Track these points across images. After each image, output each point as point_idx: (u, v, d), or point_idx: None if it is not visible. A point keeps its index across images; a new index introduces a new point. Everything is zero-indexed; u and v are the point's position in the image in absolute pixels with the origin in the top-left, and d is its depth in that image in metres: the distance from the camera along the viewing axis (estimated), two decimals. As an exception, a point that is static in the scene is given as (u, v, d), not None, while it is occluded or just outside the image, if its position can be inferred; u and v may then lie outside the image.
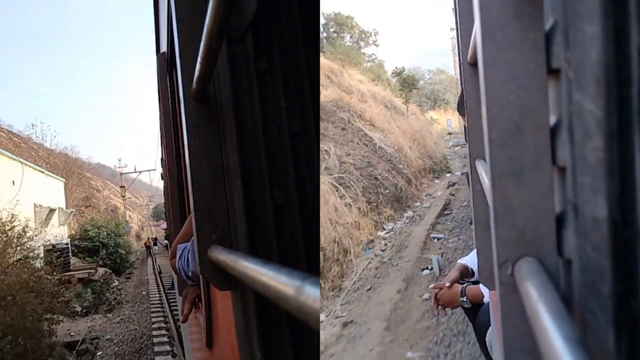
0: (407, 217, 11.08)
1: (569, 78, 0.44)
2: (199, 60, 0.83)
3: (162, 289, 19.53)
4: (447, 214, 10.96)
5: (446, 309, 2.78)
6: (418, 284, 6.74)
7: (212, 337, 1.68)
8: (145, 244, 43.61)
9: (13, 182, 18.58)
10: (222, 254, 0.88)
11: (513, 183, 0.52)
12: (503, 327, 0.54)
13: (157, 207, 76.88)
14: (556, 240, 0.52)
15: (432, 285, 2.85)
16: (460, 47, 1.37)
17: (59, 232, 24.01)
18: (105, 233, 27.79)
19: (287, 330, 0.97)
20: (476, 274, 2.75)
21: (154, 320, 14.97)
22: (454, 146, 21.76)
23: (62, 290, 14.01)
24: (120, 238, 29.52)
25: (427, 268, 7.31)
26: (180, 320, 2.10)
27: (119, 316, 16.87)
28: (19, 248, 13.51)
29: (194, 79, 0.91)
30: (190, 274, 1.60)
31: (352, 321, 5.46)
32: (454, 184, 14.36)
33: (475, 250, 2.13)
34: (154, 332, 13.43)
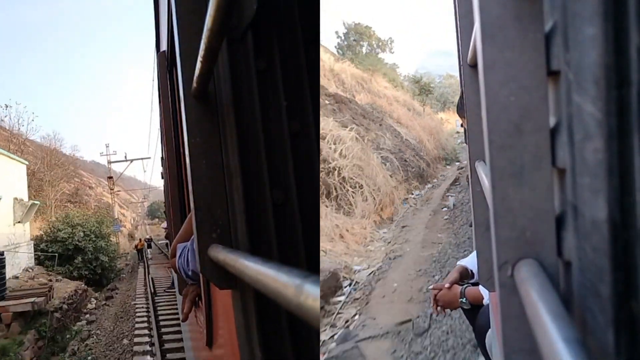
0: (428, 187, 17.24)
1: (569, 79, 0.44)
2: (199, 59, 0.83)
3: (154, 328, 10.94)
4: (457, 185, 16.50)
5: (445, 310, 2.78)
6: (440, 213, 12.75)
7: (212, 335, 1.68)
8: (136, 246, 35.26)
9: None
10: (222, 252, 0.89)
11: (513, 184, 0.52)
12: (503, 329, 0.54)
13: (153, 205, 73.47)
14: (556, 241, 0.52)
15: (431, 286, 2.85)
16: (460, 49, 1.37)
17: (15, 232, 18.02)
18: (81, 234, 21.28)
19: (287, 329, 0.97)
20: (476, 276, 2.75)
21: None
22: (462, 143, 25.30)
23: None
24: (102, 240, 22.96)
25: (445, 207, 13.24)
26: (181, 319, 2.10)
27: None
28: None
29: (194, 78, 0.91)
30: (190, 273, 1.60)
31: (406, 225, 11.83)
32: (462, 168, 19.19)
33: (474, 252, 2.13)
34: None
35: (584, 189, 0.43)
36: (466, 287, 2.72)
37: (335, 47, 31.04)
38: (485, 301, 2.59)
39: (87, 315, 14.94)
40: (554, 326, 0.38)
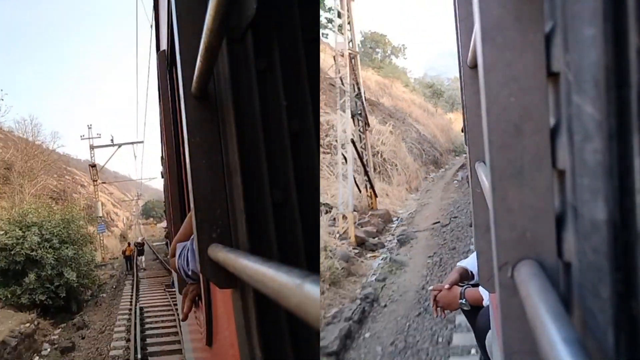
0: (441, 171, 23.08)
1: (569, 80, 0.44)
2: (199, 58, 0.83)
3: None
4: (464, 168, 19.22)
5: (445, 311, 2.78)
6: (451, 184, 18.48)
7: (212, 335, 1.68)
8: (124, 252, 26.85)
9: None
10: (222, 252, 0.89)
11: (513, 185, 0.52)
12: (503, 329, 0.55)
13: (147, 203, 70.20)
14: (556, 242, 0.52)
15: (431, 287, 2.86)
16: (460, 50, 1.37)
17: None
18: (36, 239, 14.54)
19: (287, 328, 0.97)
20: (476, 277, 2.75)
21: None
22: (468, 140, 30.45)
23: None
24: (70, 247, 15.87)
25: (455, 181, 18.75)
26: (181, 318, 2.10)
27: None
28: None
29: (194, 78, 0.91)
30: (190, 272, 1.60)
31: (429, 190, 18.32)
32: (469, 157, 25.77)
33: (474, 253, 2.13)
34: None
35: (583, 190, 0.43)
36: (466, 288, 2.72)
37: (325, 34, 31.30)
38: (485, 302, 2.59)
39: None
40: (554, 327, 0.38)
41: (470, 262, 2.85)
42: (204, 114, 1.00)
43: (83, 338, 11.78)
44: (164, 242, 39.78)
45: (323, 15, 23.35)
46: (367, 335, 6.09)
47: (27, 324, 10.92)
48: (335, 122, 14.35)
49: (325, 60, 20.69)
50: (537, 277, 0.48)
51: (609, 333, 0.40)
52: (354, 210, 11.68)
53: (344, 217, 11.44)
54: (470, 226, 9.52)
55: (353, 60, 13.95)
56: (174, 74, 2.66)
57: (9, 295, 13.69)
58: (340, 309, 6.73)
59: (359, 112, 14.40)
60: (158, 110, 4.67)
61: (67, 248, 15.93)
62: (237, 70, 1.00)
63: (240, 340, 1.02)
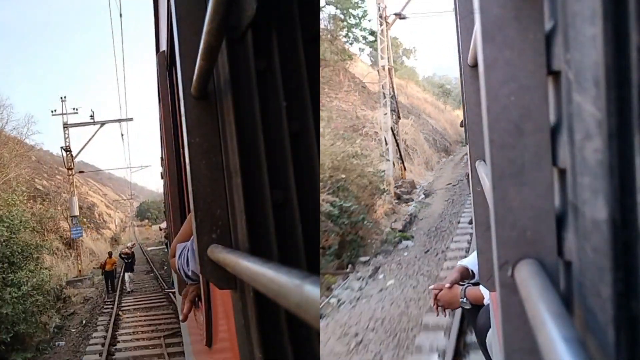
0: (451, 157, 27.62)
1: (569, 79, 0.44)
2: (199, 59, 0.83)
3: None
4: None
5: (446, 310, 2.78)
6: (459, 164, 23.29)
7: (212, 336, 1.68)
8: (102, 266, 19.99)
9: None
10: (222, 253, 0.89)
11: (513, 184, 0.52)
12: (503, 328, 0.54)
13: (142, 204, 67.01)
14: (556, 241, 0.52)
15: (432, 286, 2.86)
16: (460, 49, 1.37)
17: None
18: None
19: (286, 329, 0.97)
20: (476, 276, 2.75)
21: None
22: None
23: None
24: (17, 270, 11.85)
25: (462, 162, 23.21)
26: (180, 319, 2.10)
27: None
28: None
29: (194, 78, 0.91)
30: (190, 273, 1.60)
31: (442, 168, 24.21)
32: (473, 147, 30.69)
33: (475, 252, 2.13)
34: None
35: (584, 189, 0.43)
36: (467, 287, 2.72)
37: (368, 55, 33.42)
38: (486, 301, 2.59)
39: None
40: (554, 326, 0.38)
41: (470, 261, 2.85)
42: (204, 114, 1.00)
43: None
44: (162, 246, 35.13)
45: (359, 33, 26.17)
46: (414, 228, 13.16)
47: None
48: (369, 116, 21.96)
49: (361, 69, 28.81)
50: (538, 276, 0.48)
51: (610, 332, 0.39)
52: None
53: (387, 181, 16.68)
54: (470, 223, 11.55)
55: (389, 72, 19.47)
56: (173, 74, 2.66)
57: None
58: (396, 219, 13.98)
59: (393, 109, 19.44)
60: (158, 110, 4.68)
61: (9, 271, 11.28)
62: (237, 70, 1.00)
63: (240, 341, 1.02)
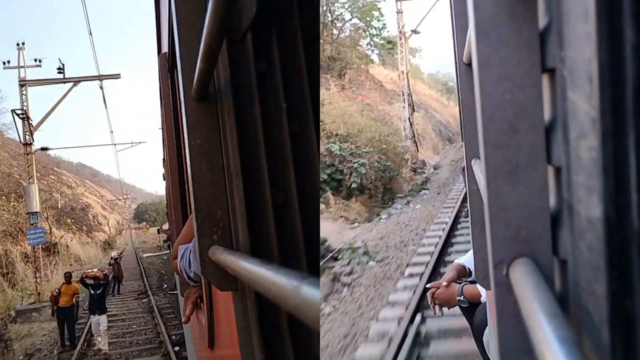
0: (453, 145, 32.41)
1: (564, 77, 0.44)
2: (199, 60, 0.83)
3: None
4: None
5: (442, 308, 2.78)
6: (460, 149, 23.36)
7: (214, 337, 1.68)
8: (53, 297, 11.38)
9: None
10: (223, 254, 0.89)
11: (508, 182, 0.52)
12: (499, 328, 0.54)
13: (140, 206, 65.57)
14: (551, 240, 0.52)
15: (428, 285, 2.86)
16: (455, 47, 1.37)
17: None
18: None
19: (287, 330, 0.97)
20: (473, 274, 2.75)
21: None
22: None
23: None
24: None
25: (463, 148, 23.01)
26: (183, 320, 2.10)
27: None
28: None
29: (195, 79, 0.91)
30: (192, 274, 1.60)
31: (446, 152, 30.89)
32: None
33: (472, 250, 2.12)
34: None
35: (579, 187, 0.43)
36: (464, 284, 2.72)
37: (377, 54, 35.31)
38: (483, 299, 2.59)
39: None
40: (549, 325, 0.38)
41: (467, 259, 2.84)
42: (205, 115, 1.00)
43: None
44: (162, 252, 30.36)
45: (380, 42, 31.34)
46: (428, 185, 19.02)
47: None
48: (388, 110, 27.26)
49: (381, 72, 35.52)
50: (533, 275, 0.47)
51: (605, 331, 0.39)
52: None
53: (409, 153, 23.04)
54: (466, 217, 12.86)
55: (408, 75, 26.34)
56: (175, 76, 2.67)
57: None
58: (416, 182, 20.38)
59: (410, 104, 25.79)
60: (160, 111, 4.68)
61: None
62: (237, 72, 1.00)
63: (241, 342, 1.02)
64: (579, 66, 0.40)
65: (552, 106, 0.50)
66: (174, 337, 11.06)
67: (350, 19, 29.23)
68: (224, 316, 1.33)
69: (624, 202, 0.38)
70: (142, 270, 25.45)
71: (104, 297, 11.62)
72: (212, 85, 1.00)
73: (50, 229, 20.57)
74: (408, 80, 26.07)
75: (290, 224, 1.01)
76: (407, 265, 8.15)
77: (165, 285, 18.39)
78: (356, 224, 14.30)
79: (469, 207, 1.32)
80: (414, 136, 25.23)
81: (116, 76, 18.81)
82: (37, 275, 15.42)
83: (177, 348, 10.05)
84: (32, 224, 15.70)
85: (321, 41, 25.70)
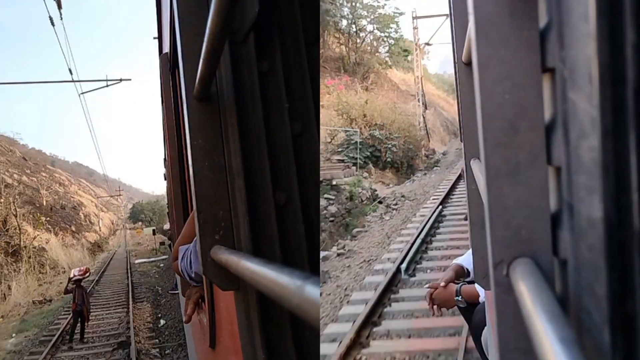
0: (458, 138, 30.70)
1: (564, 77, 0.44)
2: (201, 61, 0.83)
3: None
4: None
5: (441, 309, 2.78)
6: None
7: (216, 337, 1.68)
8: None
9: None
10: (225, 254, 0.89)
11: (508, 183, 0.52)
12: (498, 328, 0.54)
13: (135, 206, 63.48)
14: (551, 240, 0.52)
15: (427, 285, 2.85)
16: (455, 46, 1.36)
17: None
18: None
19: (289, 330, 0.97)
20: (471, 274, 2.75)
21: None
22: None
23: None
24: None
25: None
26: (184, 320, 2.10)
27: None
28: None
29: (197, 80, 0.91)
30: (193, 274, 1.60)
31: (452, 143, 35.23)
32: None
33: (470, 250, 2.12)
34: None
35: (579, 188, 0.43)
36: (462, 285, 2.72)
37: (394, 60, 40.85)
38: (481, 299, 2.59)
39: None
40: (550, 325, 0.38)
41: (465, 260, 2.84)
42: (207, 116, 1.00)
43: None
44: (159, 257, 27.01)
45: (397, 50, 38.38)
46: (439, 165, 25.86)
47: None
48: (404, 107, 30.44)
49: (397, 76, 39.45)
50: (533, 275, 0.47)
51: (605, 332, 0.39)
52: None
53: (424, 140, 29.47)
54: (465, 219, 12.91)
55: (421, 79, 32.87)
56: (176, 76, 2.67)
57: None
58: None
59: (423, 102, 31.96)
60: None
61: None
62: (239, 72, 1.01)
63: (243, 342, 1.02)
64: (580, 66, 0.40)
65: (552, 106, 0.50)
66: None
67: (372, 31, 36.28)
68: (226, 316, 1.33)
69: (625, 202, 0.38)
70: (130, 286, 17.39)
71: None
72: (214, 85, 1.00)
73: (19, 228, 16.29)
74: (422, 84, 32.96)
75: (292, 223, 1.01)
76: (427, 201, 14.76)
77: (163, 322, 12.38)
78: (390, 186, 20.76)
79: (468, 207, 1.32)
80: (426, 129, 31.68)
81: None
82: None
83: None
84: None
85: (347, 48, 33.82)
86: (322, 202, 13.65)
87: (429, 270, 7.81)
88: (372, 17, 34.94)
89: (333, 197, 14.44)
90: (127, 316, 12.87)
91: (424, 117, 31.60)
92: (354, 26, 34.35)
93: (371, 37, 36.47)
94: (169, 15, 2.13)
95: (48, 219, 29.19)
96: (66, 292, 11.90)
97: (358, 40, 34.99)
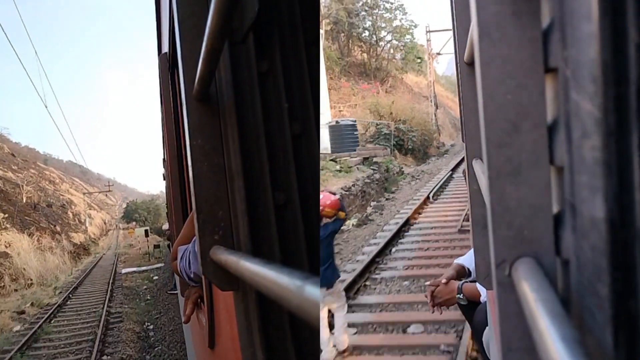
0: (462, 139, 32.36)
1: (566, 77, 0.44)
2: (200, 61, 0.83)
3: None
4: None
5: (442, 307, 2.78)
6: None
7: (215, 337, 1.68)
8: None
9: None
10: (224, 254, 0.89)
11: (510, 183, 0.52)
12: (501, 328, 0.54)
13: (129, 205, 60.69)
14: (554, 240, 0.52)
15: (428, 283, 2.86)
16: (456, 46, 1.36)
17: None
18: None
19: (289, 331, 0.97)
20: (473, 274, 2.75)
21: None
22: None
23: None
24: None
25: None
26: (183, 321, 2.10)
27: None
28: None
29: (196, 80, 0.91)
30: (192, 275, 1.60)
31: (459, 138, 34.94)
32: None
33: (472, 250, 2.12)
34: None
35: (582, 188, 0.43)
36: (463, 283, 2.72)
37: (409, 65, 46.06)
38: (483, 298, 2.59)
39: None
40: (552, 325, 0.38)
41: (467, 259, 2.84)
42: (206, 116, 1.00)
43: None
44: (153, 266, 21.79)
45: (411, 58, 45.01)
46: (450, 150, 32.80)
47: None
48: (418, 107, 34.35)
49: (411, 79, 44.52)
50: (535, 275, 0.47)
51: (608, 331, 0.39)
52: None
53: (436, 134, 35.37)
54: (467, 220, 14.42)
55: (434, 83, 38.52)
56: (175, 76, 2.67)
57: None
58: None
59: (435, 103, 36.93)
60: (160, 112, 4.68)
61: None
62: (239, 72, 1.01)
63: (242, 343, 1.02)
64: (583, 66, 0.40)
65: (554, 106, 0.50)
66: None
67: (390, 40, 42.74)
68: (225, 316, 1.33)
69: (628, 202, 0.38)
70: (102, 327, 11.04)
71: None
72: (214, 85, 1.00)
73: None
74: (434, 87, 38.76)
75: (292, 224, 1.01)
76: (438, 174, 19.97)
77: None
78: (411, 167, 25.30)
79: (470, 207, 1.31)
80: (437, 125, 36.87)
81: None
82: None
83: None
84: None
85: (368, 56, 40.09)
86: (369, 171, 19.24)
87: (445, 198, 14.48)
88: (390, 28, 41.64)
89: (376, 169, 20.07)
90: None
91: (435, 116, 37.29)
92: (374, 36, 41.08)
93: (389, 46, 43.04)
94: (168, 15, 2.13)
95: (26, 217, 26.31)
96: None
97: (378, 49, 41.48)
